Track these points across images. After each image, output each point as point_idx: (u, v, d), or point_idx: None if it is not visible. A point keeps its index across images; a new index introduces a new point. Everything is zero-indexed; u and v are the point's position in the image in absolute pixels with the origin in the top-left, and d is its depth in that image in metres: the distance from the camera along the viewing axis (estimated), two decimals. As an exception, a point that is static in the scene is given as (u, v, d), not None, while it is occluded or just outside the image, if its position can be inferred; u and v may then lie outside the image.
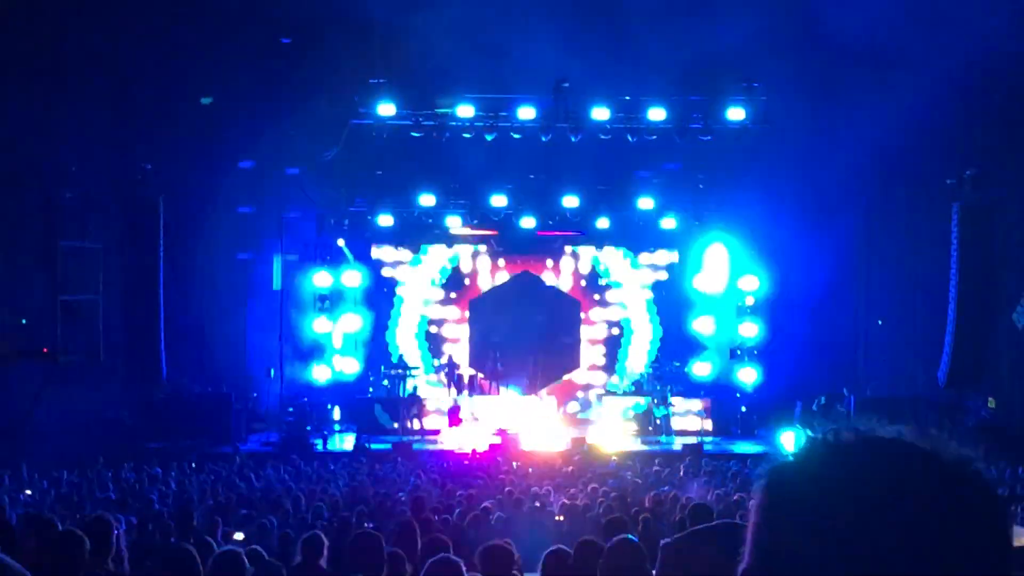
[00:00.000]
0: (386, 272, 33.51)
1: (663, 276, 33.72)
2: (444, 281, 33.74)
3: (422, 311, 33.70)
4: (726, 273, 32.26)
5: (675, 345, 33.00)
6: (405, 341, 33.45)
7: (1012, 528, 1.50)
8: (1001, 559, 1.46)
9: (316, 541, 8.59)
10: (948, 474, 1.48)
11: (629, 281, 33.93)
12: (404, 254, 33.40)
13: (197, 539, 9.44)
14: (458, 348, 33.28)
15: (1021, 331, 26.95)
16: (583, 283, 33.89)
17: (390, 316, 33.48)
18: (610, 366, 33.76)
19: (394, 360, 32.54)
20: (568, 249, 33.63)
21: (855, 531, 1.43)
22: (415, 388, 31.32)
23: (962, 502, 1.46)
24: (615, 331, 33.89)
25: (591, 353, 33.84)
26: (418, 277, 33.70)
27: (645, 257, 33.79)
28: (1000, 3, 25.47)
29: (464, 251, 33.65)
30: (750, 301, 31.68)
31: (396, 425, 29.75)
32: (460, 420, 29.70)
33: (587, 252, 33.86)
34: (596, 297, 33.91)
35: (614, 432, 29.50)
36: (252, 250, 31.76)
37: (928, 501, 1.44)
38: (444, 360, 32.69)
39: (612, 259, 33.90)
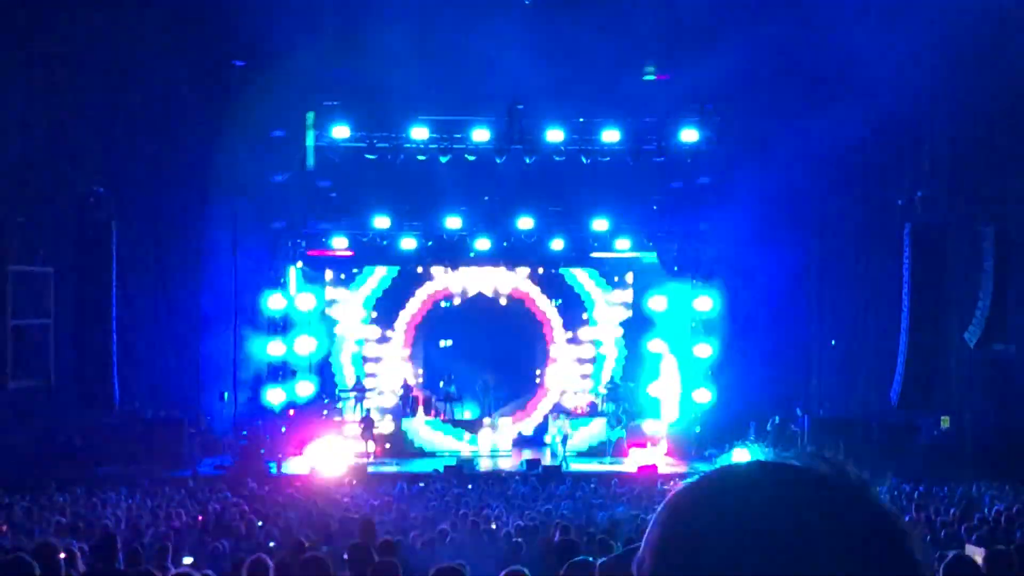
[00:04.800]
0: (329, 294, 33.46)
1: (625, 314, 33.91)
2: (377, 302, 33.68)
3: (358, 333, 33.65)
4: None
5: (638, 366, 33.13)
6: (345, 364, 33.39)
7: (919, 555, 1.39)
8: None
9: (260, 565, 8.52)
10: (839, 500, 1.34)
11: (600, 304, 33.96)
12: (341, 276, 33.44)
13: (149, 565, 9.34)
14: (410, 371, 33.18)
15: (973, 350, 27.19)
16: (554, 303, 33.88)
17: (332, 339, 33.40)
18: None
19: (342, 386, 32.41)
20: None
21: (743, 562, 1.28)
22: (368, 410, 31.19)
23: (855, 530, 1.31)
24: (589, 353, 33.93)
25: (571, 375, 33.78)
26: (356, 299, 33.61)
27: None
28: (951, 30, 25.74)
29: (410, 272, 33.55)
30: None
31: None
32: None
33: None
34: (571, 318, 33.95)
35: None
36: (207, 272, 31.36)
37: (817, 530, 1.30)
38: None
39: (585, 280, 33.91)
